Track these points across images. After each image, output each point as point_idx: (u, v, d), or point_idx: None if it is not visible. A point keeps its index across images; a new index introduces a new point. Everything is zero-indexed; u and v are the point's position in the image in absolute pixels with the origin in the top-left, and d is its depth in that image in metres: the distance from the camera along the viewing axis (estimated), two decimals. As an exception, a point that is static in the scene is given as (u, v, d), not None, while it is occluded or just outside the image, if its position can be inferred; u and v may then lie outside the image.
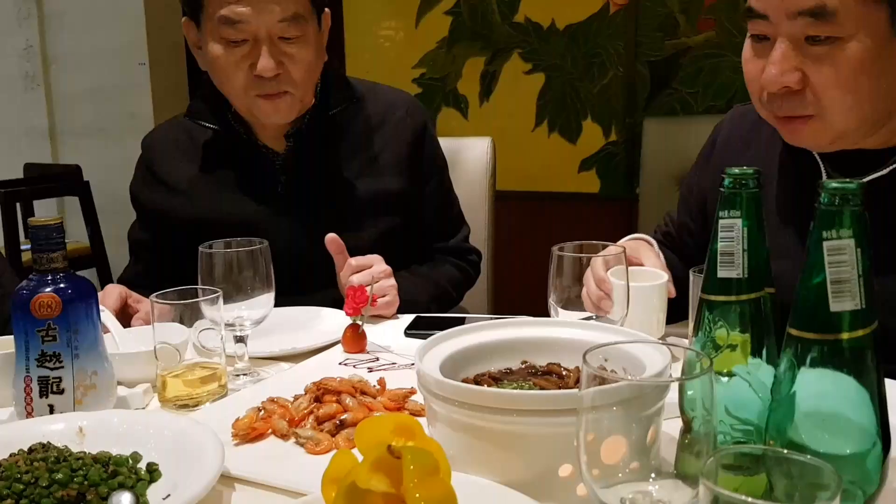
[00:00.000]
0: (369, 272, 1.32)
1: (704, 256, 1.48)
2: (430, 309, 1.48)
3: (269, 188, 1.51)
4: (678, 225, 1.45)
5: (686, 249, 1.43)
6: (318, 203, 1.51)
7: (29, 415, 0.94)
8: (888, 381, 0.66)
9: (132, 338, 1.16)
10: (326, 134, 1.53)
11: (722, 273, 0.73)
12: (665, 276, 1.17)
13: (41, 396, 0.94)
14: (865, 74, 1.02)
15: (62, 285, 0.94)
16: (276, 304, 1.15)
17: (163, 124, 1.67)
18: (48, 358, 0.93)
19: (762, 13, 1.05)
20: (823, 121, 1.06)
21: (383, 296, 1.33)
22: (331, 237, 1.35)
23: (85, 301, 0.96)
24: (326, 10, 1.49)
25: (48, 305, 0.93)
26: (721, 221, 0.73)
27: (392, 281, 1.35)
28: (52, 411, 0.94)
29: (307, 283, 1.43)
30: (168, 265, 1.54)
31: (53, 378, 0.94)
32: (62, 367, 0.94)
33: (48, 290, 0.93)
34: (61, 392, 0.94)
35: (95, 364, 0.96)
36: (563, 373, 0.90)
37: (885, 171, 1.09)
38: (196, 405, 1.01)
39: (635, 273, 1.11)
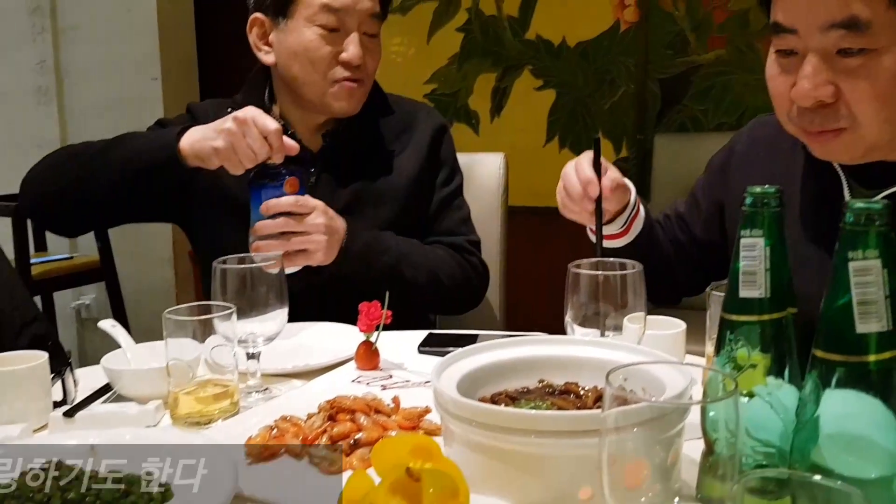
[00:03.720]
0: (288, 223, 1.37)
1: (683, 250, 1.48)
2: (402, 273, 1.50)
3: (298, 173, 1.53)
4: (677, 216, 1.45)
5: (673, 235, 1.44)
6: (339, 196, 1.55)
7: None
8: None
9: (144, 353, 1.15)
10: (358, 136, 1.61)
11: (744, 293, 0.72)
12: (683, 325, 1.17)
13: None
14: None
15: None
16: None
17: (210, 101, 1.69)
18: None
19: (790, 27, 1.03)
20: (856, 133, 1.04)
21: (304, 249, 1.37)
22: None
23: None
24: None
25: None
26: (743, 241, 0.72)
27: (321, 238, 1.38)
28: None
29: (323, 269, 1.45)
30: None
31: None
32: None
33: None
34: None
35: None
36: (581, 392, 0.89)
37: None
38: (208, 423, 1.00)
39: (652, 321, 1.10)
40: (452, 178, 1.70)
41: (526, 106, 3.14)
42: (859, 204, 0.61)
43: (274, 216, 1.38)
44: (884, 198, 1.08)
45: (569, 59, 3.05)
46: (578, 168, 1.25)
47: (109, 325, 1.19)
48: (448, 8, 3.20)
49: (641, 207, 1.35)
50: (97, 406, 1.05)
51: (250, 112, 1.36)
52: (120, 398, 1.09)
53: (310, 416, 0.95)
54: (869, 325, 0.62)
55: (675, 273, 1.43)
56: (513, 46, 3.12)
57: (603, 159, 1.25)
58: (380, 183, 1.60)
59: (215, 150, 1.36)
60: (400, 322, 1.23)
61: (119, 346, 1.16)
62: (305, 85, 1.54)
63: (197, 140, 1.38)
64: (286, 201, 1.37)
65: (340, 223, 1.44)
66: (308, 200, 1.39)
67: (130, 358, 1.14)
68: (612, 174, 1.25)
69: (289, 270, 1.35)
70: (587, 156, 1.26)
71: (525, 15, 3.08)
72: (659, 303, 1.48)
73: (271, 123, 1.35)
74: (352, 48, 1.50)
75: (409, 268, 1.52)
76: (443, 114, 3.29)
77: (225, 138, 1.35)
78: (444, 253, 1.60)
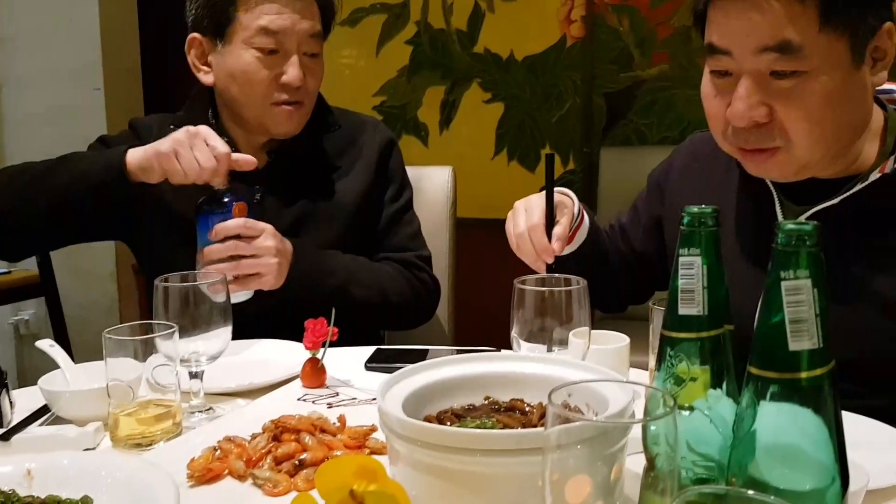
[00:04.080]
0: (238, 246, 1.34)
1: (626, 261, 1.51)
2: (350, 292, 1.49)
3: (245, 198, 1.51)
4: (620, 227, 1.48)
5: (616, 245, 1.45)
6: (287, 213, 1.55)
7: None
8: (843, 414, 0.67)
9: (83, 374, 1.13)
10: (303, 153, 1.59)
11: (683, 310, 0.73)
12: (626, 340, 1.18)
13: None
14: (831, 106, 1.04)
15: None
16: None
17: (153, 116, 1.67)
18: None
19: (725, 49, 1.06)
20: (789, 153, 1.07)
21: (255, 273, 1.35)
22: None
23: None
24: None
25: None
26: (681, 259, 0.73)
27: (272, 261, 1.36)
28: None
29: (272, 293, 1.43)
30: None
31: None
32: None
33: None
34: None
35: None
36: (527, 409, 0.89)
37: (835, 201, 1.11)
38: (150, 444, 0.98)
39: (596, 336, 1.12)
40: (401, 193, 1.69)
41: (475, 118, 3.16)
42: (790, 225, 0.63)
43: (223, 240, 1.35)
44: (812, 214, 1.12)
45: (517, 73, 3.08)
46: (533, 235, 1.22)
47: (47, 345, 1.16)
48: (397, 21, 3.21)
49: (586, 217, 1.36)
50: (34, 429, 1.03)
51: (204, 129, 1.35)
52: (58, 420, 1.06)
53: (254, 437, 0.94)
54: (801, 342, 0.63)
55: (621, 282, 1.45)
56: (461, 60, 3.14)
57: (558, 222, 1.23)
58: (327, 200, 1.58)
59: (156, 154, 1.33)
60: (347, 338, 1.23)
61: (58, 367, 1.14)
62: (244, 107, 1.52)
63: (144, 149, 1.36)
64: (235, 223, 1.35)
65: (288, 246, 1.43)
66: (257, 223, 1.37)
67: (69, 378, 1.12)
68: (562, 223, 1.23)
69: (241, 297, 1.35)
70: (540, 210, 1.23)
71: (473, 29, 3.11)
72: (606, 311, 1.51)
73: (222, 146, 1.34)
74: (291, 70, 1.49)
75: (357, 288, 1.51)
76: (392, 126, 3.31)
77: (170, 144, 1.33)
78: (393, 270, 1.60)
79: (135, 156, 1.37)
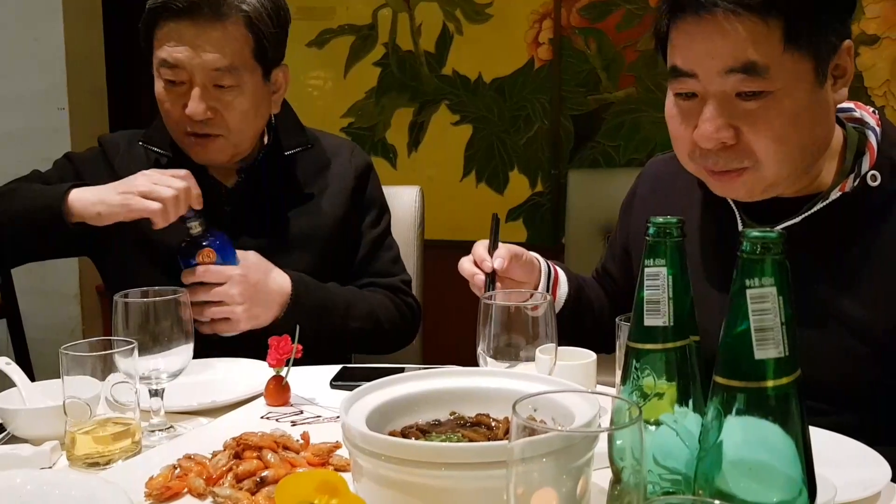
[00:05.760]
0: (217, 292, 1.35)
1: (622, 303, 1.52)
2: (348, 325, 1.48)
3: (214, 217, 1.49)
4: (602, 271, 1.49)
5: (608, 294, 1.46)
6: (259, 235, 1.52)
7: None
8: (810, 430, 0.67)
9: (40, 392, 1.10)
10: (276, 173, 1.56)
11: (648, 321, 0.73)
12: (593, 356, 1.17)
13: None
14: (797, 126, 1.05)
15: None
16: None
17: (121, 133, 1.64)
18: None
19: (690, 72, 1.06)
20: (758, 172, 1.08)
21: (225, 318, 1.36)
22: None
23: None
24: (285, 64, 1.53)
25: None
26: (646, 270, 0.73)
27: (236, 309, 1.36)
28: None
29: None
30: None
31: None
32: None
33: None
34: None
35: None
36: (492, 423, 0.88)
37: (797, 220, 1.12)
38: (107, 463, 0.96)
39: (564, 352, 1.12)
40: (381, 218, 1.68)
41: (443, 140, 3.16)
42: (755, 233, 0.63)
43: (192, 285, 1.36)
44: None
45: (485, 95, 3.09)
46: (474, 250, 1.24)
47: (3, 364, 1.13)
48: (365, 42, 3.21)
49: (560, 272, 1.35)
50: (-13, 448, 1.00)
51: (153, 170, 1.36)
52: (14, 439, 1.03)
53: (214, 455, 0.92)
54: (767, 351, 0.63)
55: (609, 324, 1.44)
56: (430, 81, 3.15)
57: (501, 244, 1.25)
58: (301, 223, 1.56)
59: (125, 206, 1.31)
60: (313, 356, 1.21)
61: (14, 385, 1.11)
62: (169, 131, 1.49)
63: (103, 200, 1.33)
64: (199, 272, 1.36)
65: (280, 282, 1.41)
66: (223, 270, 1.37)
67: (25, 397, 1.09)
68: (504, 248, 1.23)
69: (228, 333, 1.37)
70: (482, 242, 1.25)
71: (441, 51, 3.12)
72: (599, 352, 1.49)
73: (176, 171, 1.35)
74: (191, 104, 1.40)
75: (354, 320, 1.51)
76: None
77: (134, 191, 1.31)
78: (383, 297, 1.59)
79: (85, 203, 1.33)
